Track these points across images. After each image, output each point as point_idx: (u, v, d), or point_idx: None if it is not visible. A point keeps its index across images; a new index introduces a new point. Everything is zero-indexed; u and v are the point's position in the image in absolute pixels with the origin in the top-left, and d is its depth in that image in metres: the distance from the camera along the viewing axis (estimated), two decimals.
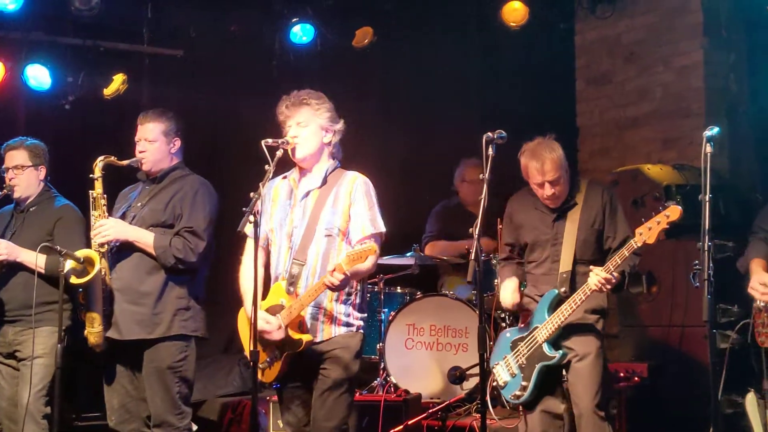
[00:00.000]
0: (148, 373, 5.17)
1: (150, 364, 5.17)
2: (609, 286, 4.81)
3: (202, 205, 5.29)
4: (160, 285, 5.19)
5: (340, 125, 4.77)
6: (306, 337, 4.51)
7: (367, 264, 4.52)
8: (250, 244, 4.76)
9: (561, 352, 4.95)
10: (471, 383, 6.62)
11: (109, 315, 5.15)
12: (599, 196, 5.11)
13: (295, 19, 8.05)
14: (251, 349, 4.32)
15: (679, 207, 4.55)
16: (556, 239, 5.07)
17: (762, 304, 4.75)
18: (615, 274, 4.77)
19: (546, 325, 4.95)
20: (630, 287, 6.75)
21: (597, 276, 4.75)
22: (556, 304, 4.96)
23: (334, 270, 4.34)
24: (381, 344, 6.90)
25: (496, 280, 6.74)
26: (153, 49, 7.95)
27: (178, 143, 5.43)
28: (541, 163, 4.96)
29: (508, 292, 5.18)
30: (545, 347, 4.96)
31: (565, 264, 5.01)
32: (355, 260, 4.30)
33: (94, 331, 5.12)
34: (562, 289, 4.98)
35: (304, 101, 4.67)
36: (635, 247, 4.66)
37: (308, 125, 4.67)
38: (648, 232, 4.60)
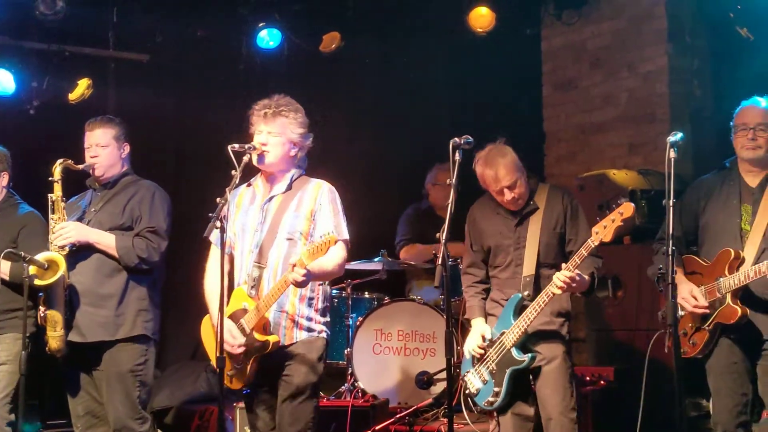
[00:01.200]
0: (109, 377, 5.17)
1: (111, 368, 5.16)
2: (574, 285, 4.83)
3: (161, 206, 5.34)
4: (121, 286, 5.20)
5: (309, 141, 4.77)
6: (272, 338, 4.50)
7: (333, 262, 4.54)
8: (214, 251, 4.76)
9: (530, 355, 4.97)
10: (438, 388, 6.63)
11: (70, 319, 5.13)
12: (560, 199, 5.12)
13: (261, 24, 8.04)
14: (218, 355, 4.31)
15: (632, 204, 4.57)
16: (518, 243, 5.09)
17: (682, 313, 4.76)
18: (579, 272, 4.79)
19: (512, 330, 4.97)
20: (596, 291, 6.81)
21: (560, 277, 4.78)
22: (520, 308, 4.98)
23: (294, 265, 4.32)
24: (349, 349, 6.90)
25: (463, 288, 6.77)
26: (118, 53, 7.91)
27: (127, 148, 5.45)
28: (495, 171, 4.96)
29: (473, 342, 5.13)
30: (514, 352, 4.98)
31: (528, 268, 5.03)
32: (315, 253, 4.27)
33: (55, 335, 5.08)
34: (526, 293, 4.99)
35: (282, 113, 4.65)
36: (592, 246, 4.68)
37: (279, 137, 4.65)
38: (604, 231, 4.62)
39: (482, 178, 5.05)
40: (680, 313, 4.74)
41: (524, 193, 5.07)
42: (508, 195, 5.01)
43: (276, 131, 4.64)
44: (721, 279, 4.61)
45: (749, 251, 4.61)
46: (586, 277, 4.90)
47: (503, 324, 5.04)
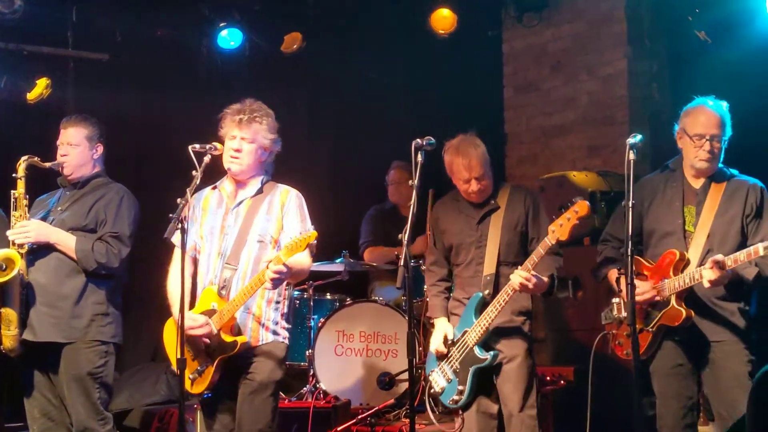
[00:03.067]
0: (68, 380, 5.12)
1: (69, 371, 5.11)
2: (531, 286, 4.86)
3: (127, 212, 5.29)
4: (78, 289, 5.15)
5: (278, 146, 4.79)
6: (241, 339, 4.50)
7: (306, 261, 4.56)
8: (177, 253, 4.72)
9: (492, 353, 5.00)
10: (400, 389, 6.64)
11: (25, 318, 5.08)
12: (522, 199, 5.16)
13: (222, 24, 8.00)
14: (178, 356, 4.28)
15: (587, 202, 4.58)
16: (480, 242, 5.12)
17: (624, 314, 4.72)
18: (536, 273, 4.81)
19: (474, 329, 4.99)
20: (557, 292, 6.85)
21: (518, 276, 4.81)
22: (482, 307, 5.01)
23: (271, 262, 4.32)
24: (310, 351, 6.88)
25: (425, 286, 6.79)
26: (78, 53, 7.84)
27: (100, 149, 5.39)
28: (468, 160, 5.00)
29: (437, 341, 5.17)
30: (476, 350, 5.00)
31: (489, 266, 5.06)
32: (294, 249, 4.28)
33: (9, 333, 5.03)
34: (486, 292, 5.02)
35: (256, 119, 4.65)
36: (549, 244, 4.70)
37: (252, 143, 4.66)
38: (560, 229, 4.64)
39: (450, 165, 5.06)
40: (622, 314, 4.76)
41: (488, 187, 5.11)
42: (475, 186, 5.04)
43: (249, 137, 4.65)
44: (666, 280, 4.60)
45: (694, 253, 4.61)
46: (545, 278, 4.94)
47: (465, 323, 5.06)
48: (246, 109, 4.68)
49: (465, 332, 5.05)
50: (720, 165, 4.75)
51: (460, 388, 5.05)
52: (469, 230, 5.16)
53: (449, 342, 5.11)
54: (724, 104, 4.74)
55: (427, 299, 5.42)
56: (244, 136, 4.64)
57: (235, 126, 4.65)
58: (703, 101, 4.75)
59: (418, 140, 4.52)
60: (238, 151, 4.63)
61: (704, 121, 4.67)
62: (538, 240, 5.05)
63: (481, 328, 4.97)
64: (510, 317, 5.05)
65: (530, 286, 4.84)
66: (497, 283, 5.02)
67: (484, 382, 5.07)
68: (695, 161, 4.69)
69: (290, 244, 4.30)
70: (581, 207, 4.59)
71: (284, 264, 4.32)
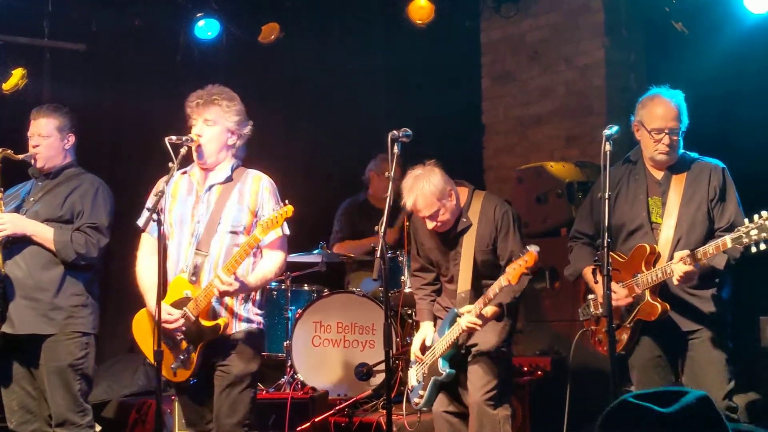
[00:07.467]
0: (48, 372, 5.10)
1: (50, 363, 5.10)
2: (480, 326, 4.87)
3: (103, 202, 5.26)
4: (57, 280, 5.13)
5: (247, 129, 4.70)
6: (222, 321, 4.47)
7: (273, 266, 4.56)
8: (145, 240, 4.70)
9: (450, 371, 5.03)
10: (378, 379, 6.65)
11: (3, 310, 5.05)
12: (492, 214, 5.06)
13: (199, 14, 7.97)
14: (155, 348, 4.26)
15: (535, 253, 4.53)
16: (455, 260, 5.08)
17: (601, 311, 4.71)
18: (486, 310, 4.81)
19: (442, 342, 5.02)
20: (534, 283, 6.87)
21: (466, 319, 4.81)
22: (454, 323, 5.01)
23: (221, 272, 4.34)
24: (288, 342, 6.88)
25: (402, 277, 6.81)
26: (54, 43, 7.78)
27: (72, 139, 5.36)
28: (413, 202, 4.90)
29: (416, 345, 5.20)
30: (440, 362, 5.03)
31: (464, 284, 5.03)
32: (271, 226, 4.27)
33: None
34: (459, 310, 5.00)
35: (215, 101, 4.58)
36: (502, 285, 4.68)
37: (215, 125, 4.58)
38: (512, 272, 4.61)
39: (405, 204, 5.01)
40: (599, 311, 4.75)
41: (450, 219, 5.01)
42: (429, 224, 4.98)
43: (212, 120, 4.58)
44: (639, 275, 4.58)
45: (664, 244, 4.60)
46: (494, 309, 4.91)
47: (440, 332, 5.09)
48: (204, 93, 4.60)
49: (438, 341, 5.07)
50: (680, 151, 4.72)
51: (421, 393, 5.13)
52: (444, 248, 5.13)
53: (427, 346, 5.14)
54: (680, 94, 4.70)
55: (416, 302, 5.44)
56: (206, 118, 4.57)
57: (195, 111, 4.59)
58: (659, 92, 4.70)
59: (395, 132, 4.50)
60: (200, 136, 4.55)
61: (662, 114, 4.63)
62: (504, 258, 4.99)
63: (447, 342, 4.99)
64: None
65: (478, 328, 4.87)
66: (473, 298, 4.96)
67: (454, 386, 5.08)
68: (655, 154, 4.67)
69: (266, 221, 4.26)
70: (530, 257, 4.55)
71: (239, 280, 4.35)
